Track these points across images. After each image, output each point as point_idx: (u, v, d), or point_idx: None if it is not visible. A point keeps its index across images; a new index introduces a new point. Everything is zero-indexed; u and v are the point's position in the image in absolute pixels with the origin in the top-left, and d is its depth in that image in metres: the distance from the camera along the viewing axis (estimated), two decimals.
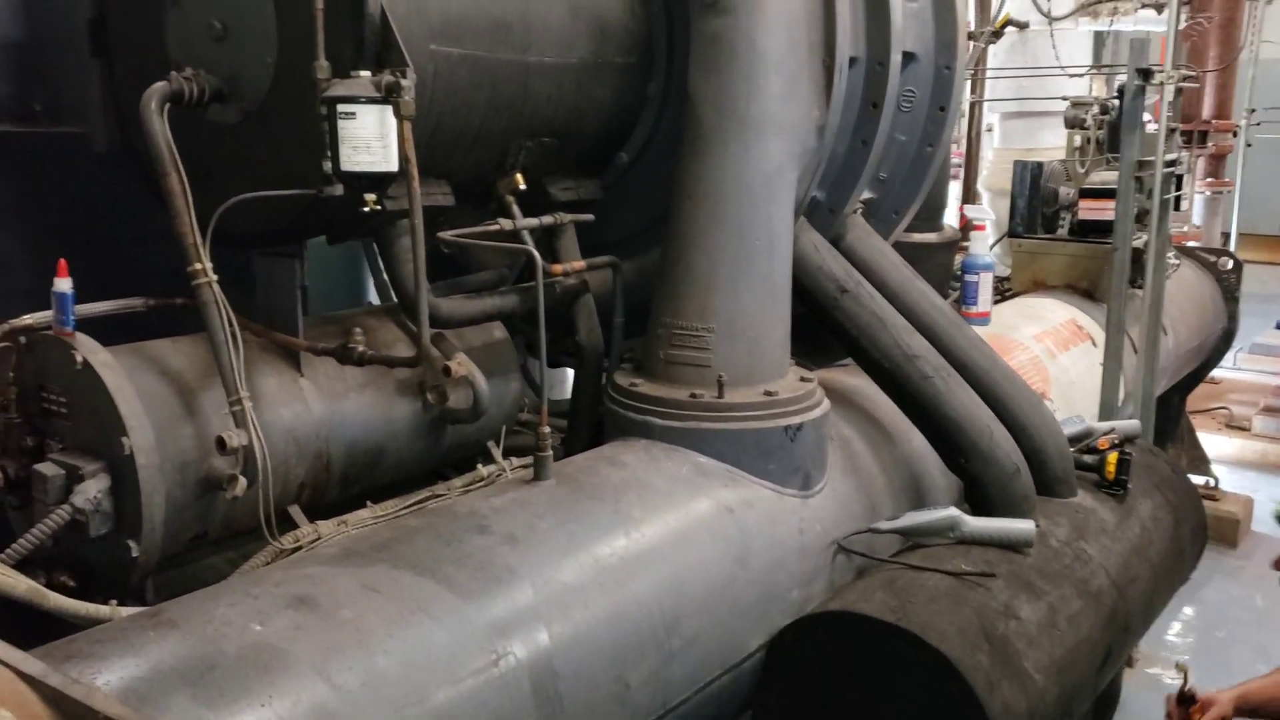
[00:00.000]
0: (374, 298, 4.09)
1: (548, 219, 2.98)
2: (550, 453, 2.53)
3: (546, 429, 2.51)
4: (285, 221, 2.52)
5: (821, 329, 3.25)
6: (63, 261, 2.38)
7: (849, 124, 3.26)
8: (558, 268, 3.02)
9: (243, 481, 2.36)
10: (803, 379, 2.97)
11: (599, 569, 2.32)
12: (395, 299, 2.82)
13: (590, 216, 3.11)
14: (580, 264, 3.10)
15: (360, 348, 2.56)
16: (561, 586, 2.23)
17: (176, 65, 2.54)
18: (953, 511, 2.87)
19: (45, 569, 2.41)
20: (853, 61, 3.13)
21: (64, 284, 2.37)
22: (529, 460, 3.23)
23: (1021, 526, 2.84)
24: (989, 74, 7.31)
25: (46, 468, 2.31)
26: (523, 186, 2.96)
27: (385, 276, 3.40)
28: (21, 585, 2.02)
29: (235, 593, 1.94)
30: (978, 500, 3.05)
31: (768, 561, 2.68)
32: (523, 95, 2.79)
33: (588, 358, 3.22)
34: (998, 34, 6.80)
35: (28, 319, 2.51)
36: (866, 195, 3.52)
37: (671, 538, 2.52)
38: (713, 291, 2.87)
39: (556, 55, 2.84)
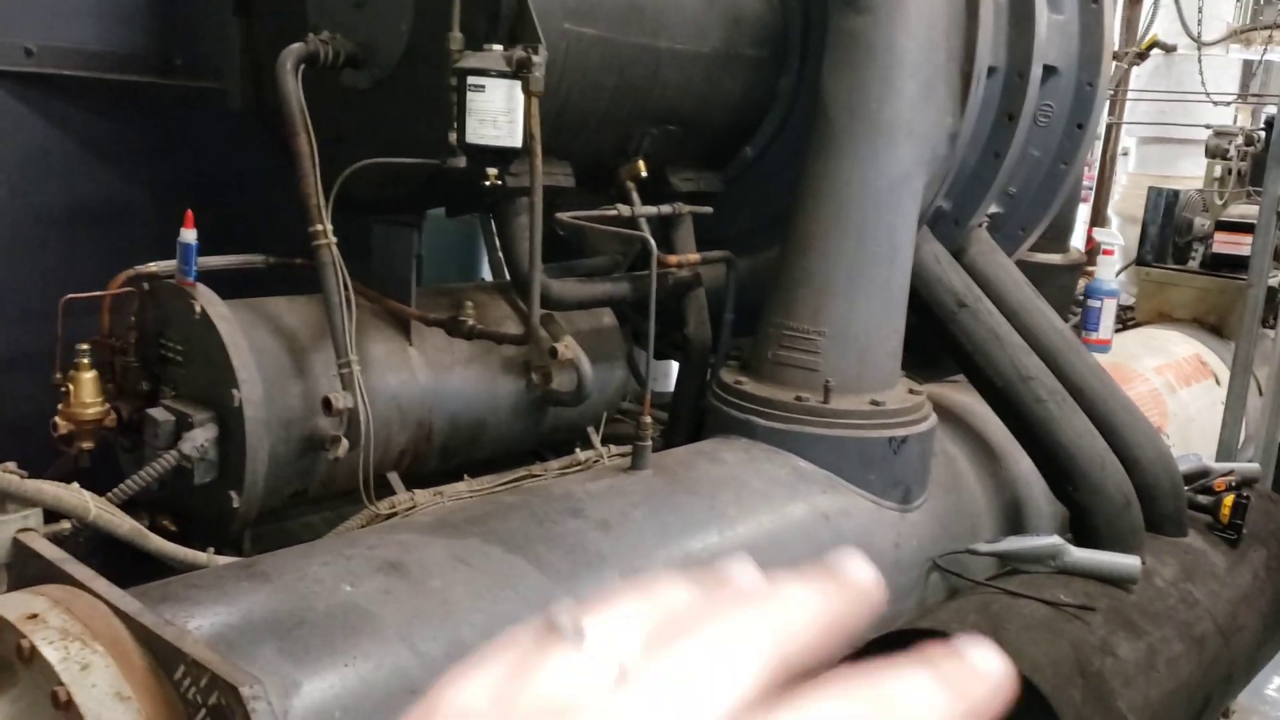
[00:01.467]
0: (487, 274, 4.11)
1: (667, 208, 2.94)
2: (650, 443, 2.49)
3: (648, 419, 2.48)
4: (406, 190, 2.53)
5: (933, 341, 3.16)
6: (189, 213, 2.43)
7: (982, 134, 3.16)
8: (672, 259, 2.99)
9: (345, 444, 2.38)
10: (911, 391, 2.88)
11: (689, 563, 2.28)
12: (508, 276, 2.81)
13: (709, 209, 3.07)
14: (695, 256, 3.05)
15: (470, 321, 2.56)
16: (650, 577, 2.19)
17: (314, 28, 2.57)
18: (1055, 539, 2.76)
19: (149, 511, 2.47)
20: (991, 71, 3.03)
21: (189, 235, 2.41)
22: (627, 449, 3.22)
23: (1127, 562, 2.71)
24: (1130, 96, 7.05)
25: (158, 412, 2.36)
26: (645, 174, 2.93)
27: (500, 253, 3.41)
28: (125, 524, 2.06)
29: (329, 552, 1.95)
30: (1083, 531, 2.92)
31: None
32: (651, 81, 2.76)
33: (694, 352, 3.18)
34: (1142, 56, 6.55)
35: (152, 266, 2.57)
36: (993, 209, 3.40)
37: (765, 539, 2.46)
38: (828, 295, 2.80)
39: (688, 43, 2.80)
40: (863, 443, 2.71)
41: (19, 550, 1.75)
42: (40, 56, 2.84)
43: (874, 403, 2.74)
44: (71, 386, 2.40)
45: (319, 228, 2.39)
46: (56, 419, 2.39)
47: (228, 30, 2.90)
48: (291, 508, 2.67)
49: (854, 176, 2.80)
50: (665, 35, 2.73)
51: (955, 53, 2.86)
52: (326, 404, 2.36)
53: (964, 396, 3.34)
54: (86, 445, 2.43)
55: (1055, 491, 3.00)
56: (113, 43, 2.98)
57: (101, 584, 1.62)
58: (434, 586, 1.90)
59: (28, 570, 1.74)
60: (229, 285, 2.77)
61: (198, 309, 2.36)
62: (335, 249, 2.40)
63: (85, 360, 2.41)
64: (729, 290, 3.21)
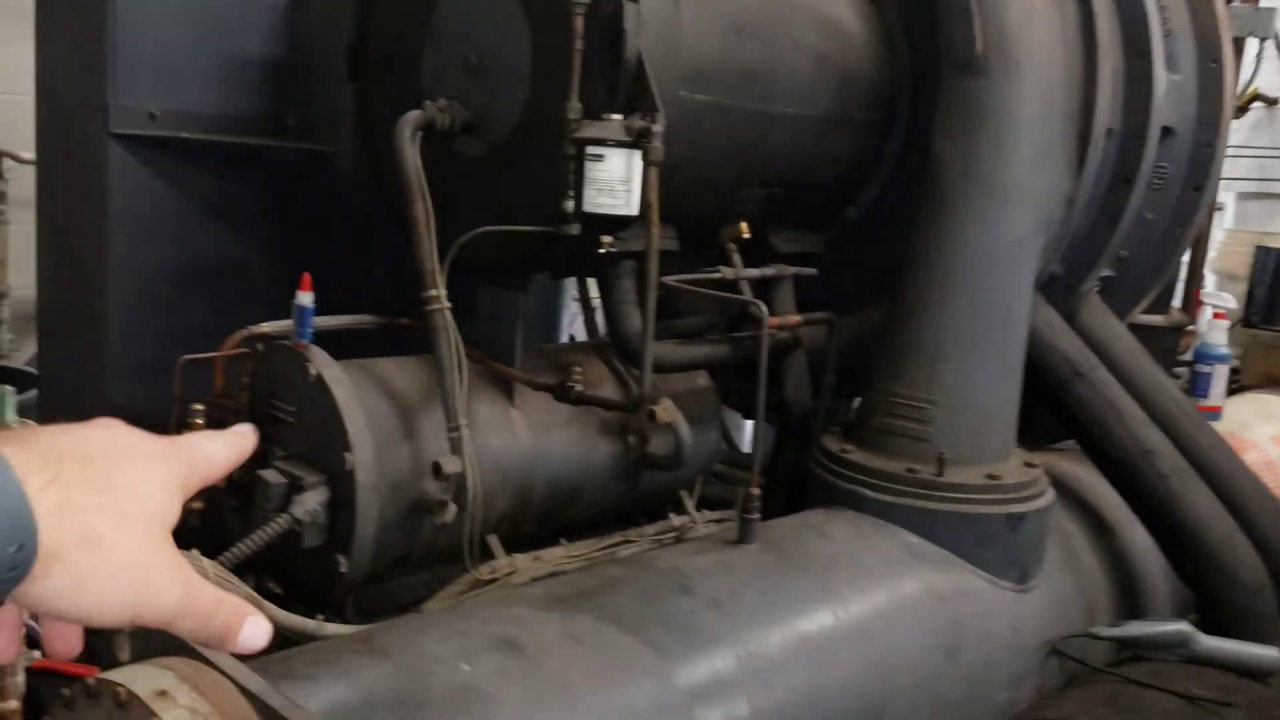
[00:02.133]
0: (564, 329, 4.12)
1: (770, 270, 2.91)
2: (758, 516, 2.44)
3: (756, 490, 2.43)
4: (516, 256, 2.53)
5: (1035, 408, 3.06)
6: (306, 275, 2.45)
7: (1096, 197, 3.08)
8: (774, 321, 2.94)
9: (453, 509, 2.37)
10: (1028, 464, 2.79)
11: (803, 645, 2.21)
12: (610, 337, 2.79)
13: (814, 271, 3.03)
14: (796, 318, 3.01)
15: (578, 387, 2.54)
16: (764, 659, 2.13)
17: (429, 95, 2.60)
18: (1184, 626, 2.63)
19: (255, 573, 2.47)
20: (1108, 133, 2.95)
21: (306, 297, 2.43)
22: (721, 515, 3.18)
23: (1266, 652, 2.57)
24: (1229, 151, 6.86)
25: (271, 474, 2.37)
26: (747, 236, 2.90)
27: (589, 312, 3.41)
28: (241, 592, 2.06)
29: (444, 627, 1.92)
30: (1211, 616, 2.79)
31: (978, 657, 2.51)
32: (760, 145, 2.74)
33: (793, 415, 3.12)
34: (1243, 109, 6.38)
35: (265, 326, 2.59)
36: (1105, 273, 3.31)
37: (880, 621, 2.39)
38: (940, 362, 2.73)
39: (798, 107, 2.78)
40: (979, 519, 2.62)
41: None
42: (162, 120, 2.92)
43: (990, 476, 2.66)
44: None
45: (433, 293, 2.39)
46: None
47: (341, 94, 2.95)
48: (392, 570, 2.65)
49: (967, 240, 2.74)
50: (777, 100, 2.71)
51: (1073, 115, 2.80)
52: (436, 468, 2.35)
53: (1073, 466, 3.23)
54: (197, 505, 2.44)
55: (1178, 572, 2.88)
56: (229, 106, 3.05)
57: (226, 660, 1.61)
58: (551, 667, 1.86)
59: (151, 641, 1.73)
60: (334, 344, 2.80)
61: (313, 372, 2.37)
62: (449, 314, 2.40)
63: (199, 420, 2.43)
64: (830, 352, 3.16)
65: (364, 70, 2.87)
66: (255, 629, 0.81)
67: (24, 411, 3.52)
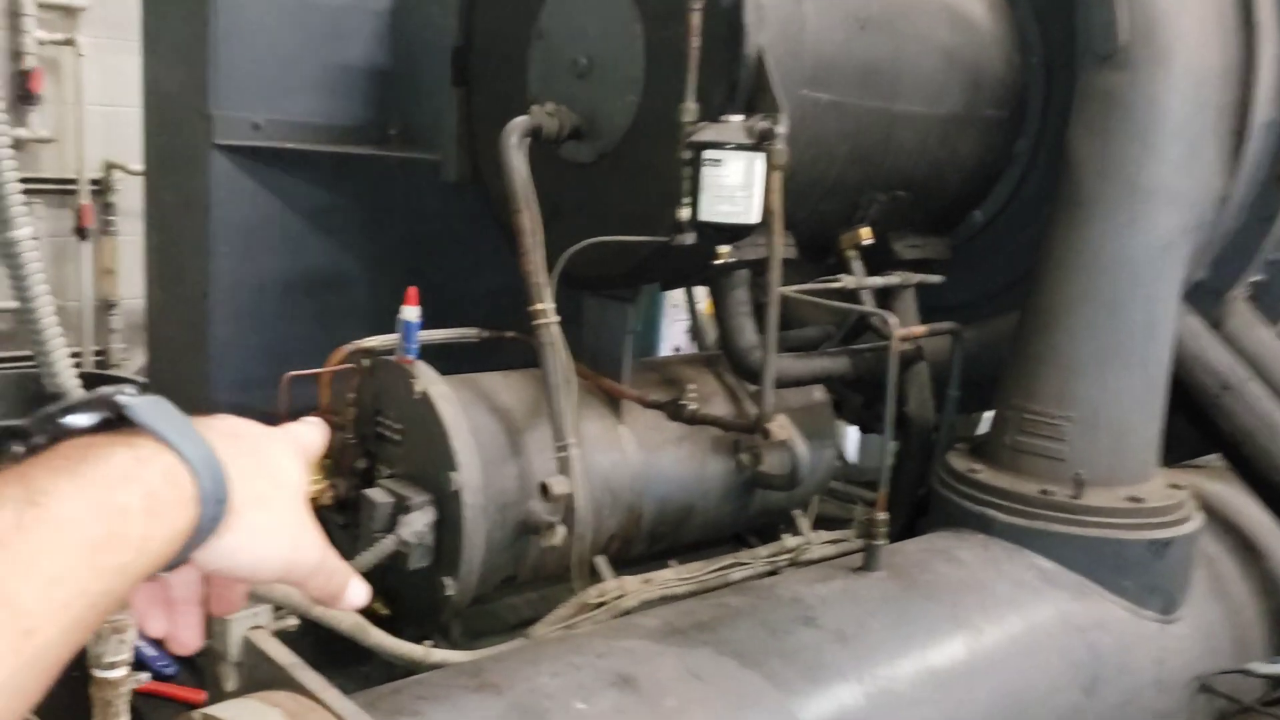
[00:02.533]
0: (665, 340, 4.00)
1: (894, 278, 2.75)
2: (884, 542, 2.29)
3: (883, 515, 2.28)
4: (625, 267, 2.42)
5: (1172, 419, 2.85)
6: (412, 289, 2.38)
7: (1246, 197, 2.85)
8: (899, 330, 2.78)
9: (561, 531, 2.27)
10: (1173, 485, 2.58)
11: (935, 680, 2.06)
12: (722, 350, 2.66)
13: (939, 278, 2.86)
14: (920, 329, 2.84)
15: (692, 405, 2.42)
16: (894, 695, 1.99)
17: (535, 99, 2.51)
18: None
19: None
20: (1265, 125, 2.72)
21: (412, 312, 2.36)
22: (837, 536, 3.03)
23: None
24: None
25: (377, 494, 2.30)
26: (869, 242, 2.75)
27: (702, 323, 3.29)
28: (348, 620, 1.99)
29: (557, 660, 1.82)
30: None
31: (1119, 693, 2.32)
32: (884, 146, 2.59)
33: (916, 431, 2.96)
34: None
35: (371, 341, 2.53)
36: (1255, 278, 3.07)
37: (1014, 653, 2.22)
38: (1076, 375, 2.55)
39: (925, 105, 2.62)
40: (1119, 544, 2.43)
41: (250, 650, 1.69)
42: (266, 130, 2.88)
43: (1132, 499, 2.46)
44: None
45: (541, 306, 2.30)
46: None
47: (446, 101, 2.88)
48: (499, 592, 2.57)
49: (1106, 245, 2.55)
50: (902, 98, 2.55)
51: (1226, 109, 2.58)
52: (544, 489, 2.25)
53: (1217, 485, 2.99)
54: None
55: None
56: (333, 115, 3.01)
57: (333, 696, 1.53)
58: (669, 706, 1.75)
59: (258, 672, 1.67)
60: (439, 359, 2.73)
61: (419, 388, 2.30)
62: (557, 328, 2.30)
63: None
64: (955, 364, 2.98)
65: (468, 75, 2.79)
66: (358, 589, 0.91)
67: None
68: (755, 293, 2.51)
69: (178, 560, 0.73)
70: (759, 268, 2.22)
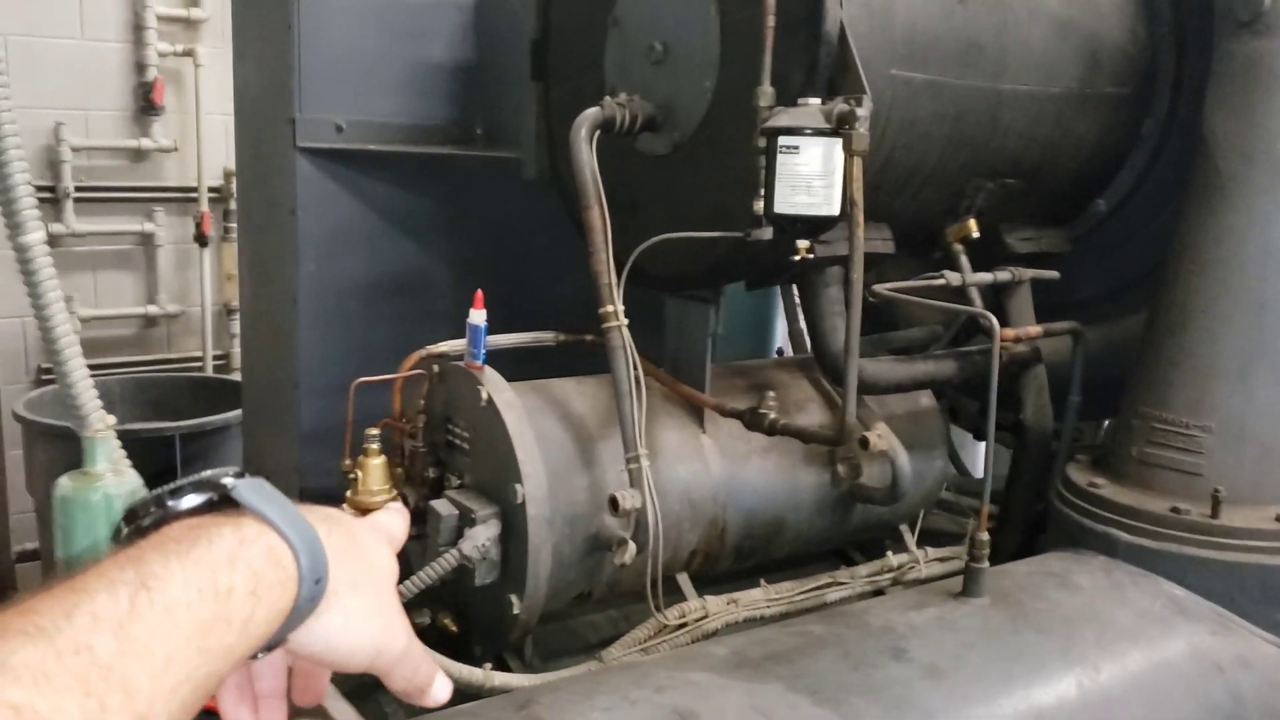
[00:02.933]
0: (780, 340, 3.81)
1: (1004, 274, 2.52)
2: (986, 565, 2.07)
3: (985, 535, 2.06)
4: (705, 265, 2.26)
5: None
6: (479, 292, 2.27)
7: None
8: (1009, 332, 2.55)
9: (632, 547, 2.13)
10: None
11: None
12: (814, 354, 2.48)
13: (1055, 274, 2.61)
14: (1036, 329, 2.60)
15: (772, 415, 2.24)
16: None
17: (612, 90, 2.38)
18: None
19: (431, 608, 2.32)
20: None
21: (479, 316, 2.26)
22: (947, 553, 2.80)
23: None
24: None
25: (442, 505, 2.21)
26: (976, 234, 2.53)
27: (800, 325, 3.09)
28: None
29: (613, 692, 1.68)
30: None
31: None
32: (989, 129, 2.36)
33: (1032, 440, 2.71)
34: None
35: (443, 346, 2.44)
36: None
37: (1138, 695, 1.98)
38: (1215, 380, 2.28)
39: (1035, 83, 2.38)
40: (1266, 571, 2.16)
41: None
42: (349, 132, 2.83)
43: None
44: (360, 472, 2.29)
45: (610, 308, 2.16)
46: (344, 505, 2.29)
47: (525, 96, 2.77)
48: (576, 609, 2.45)
49: (1249, 235, 2.27)
50: (1009, 76, 2.33)
51: None
52: (613, 503, 2.11)
53: None
54: None
55: None
56: (417, 115, 2.93)
57: None
58: None
59: None
60: (517, 362, 2.62)
61: (484, 395, 2.19)
62: (626, 331, 2.16)
63: (374, 446, 2.30)
64: (1076, 367, 2.72)
65: (546, 68, 2.68)
66: (442, 685, 0.89)
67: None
68: (848, 293, 2.32)
69: (275, 640, 0.74)
70: (848, 264, 2.03)
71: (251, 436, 3.27)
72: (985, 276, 2.47)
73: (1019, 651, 1.96)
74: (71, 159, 4.94)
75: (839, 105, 1.86)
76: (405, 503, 2.34)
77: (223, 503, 0.74)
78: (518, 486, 2.11)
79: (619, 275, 2.20)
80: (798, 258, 1.96)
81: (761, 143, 1.93)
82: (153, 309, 5.26)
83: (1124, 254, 2.79)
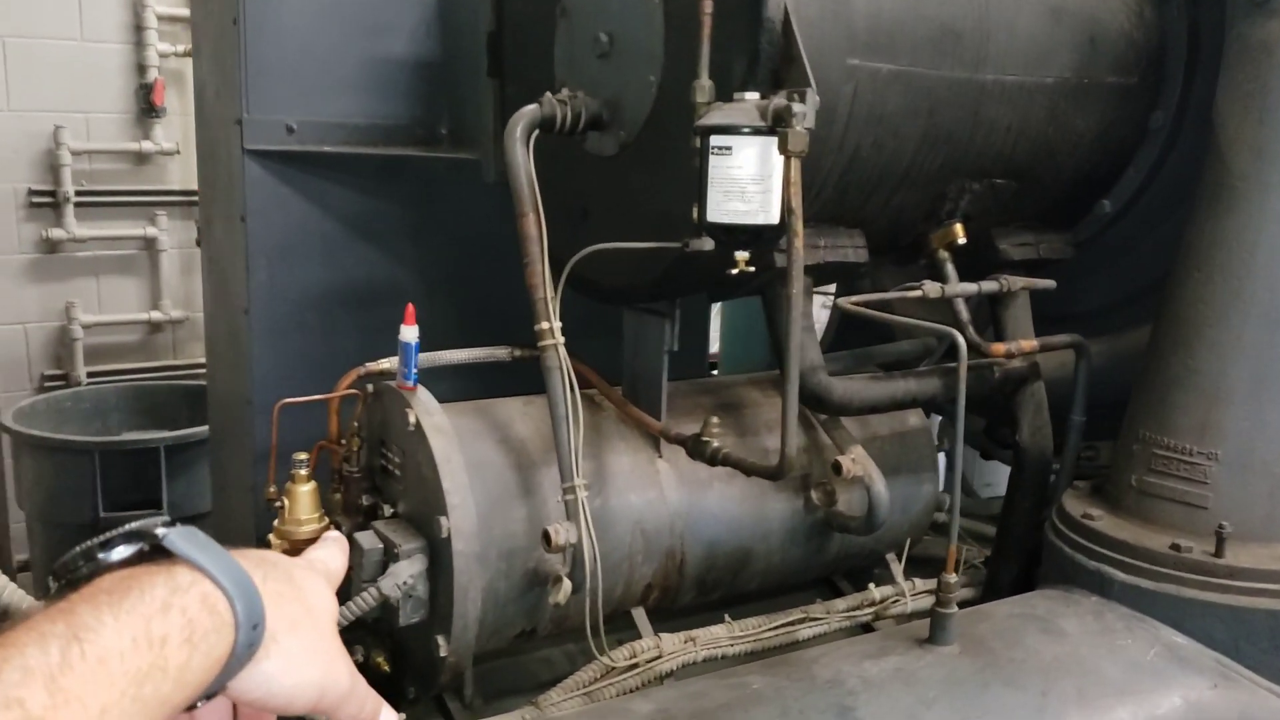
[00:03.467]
0: None
1: (992, 284, 2.30)
2: (954, 610, 1.87)
3: (953, 577, 1.86)
4: (653, 276, 2.08)
5: None
6: (410, 306, 2.11)
7: None
8: (999, 347, 2.34)
9: (567, 585, 1.95)
10: None
11: None
12: (780, 372, 2.27)
13: (1051, 283, 2.39)
14: (1032, 343, 2.38)
15: (713, 443, 2.04)
16: None
17: (561, 86, 2.20)
18: None
19: (364, 644, 2.16)
20: None
21: (410, 333, 2.09)
22: (934, 585, 2.59)
23: None
24: None
25: (366, 538, 2.05)
26: (962, 240, 2.31)
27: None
28: None
29: None
30: None
31: None
32: (972, 124, 2.15)
33: (1029, 464, 2.49)
34: None
35: (384, 363, 2.28)
36: None
37: None
38: (1223, 402, 2.04)
39: (1024, 72, 2.16)
40: (1274, 617, 1.92)
41: None
42: (301, 133, 2.68)
43: None
44: (286, 500, 2.14)
45: (545, 325, 1.99)
46: (270, 537, 2.14)
47: (483, 93, 2.61)
48: (519, 648, 2.28)
49: (1261, 239, 2.04)
50: (991, 65, 2.11)
51: None
52: (546, 538, 1.94)
53: None
54: None
55: None
56: (375, 115, 2.77)
57: None
58: None
59: None
60: (483, 377, 2.46)
61: (412, 419, 2.02)
62: (563, 351, 1.99)
63: (302, 472, 2.14)
64: (1079, 384, 2.50)
65: (501, 63, 2.51)
66: (389, 718, 0.88)
67: None
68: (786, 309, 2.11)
69: (214, 688, 0.73)
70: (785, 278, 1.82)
71: (215, 454, 3.14)
72: (970, 287, 2.26)
73: (986, 708, 1.75)
74: (72, 162, 4.87)
75: (776, 100, 1.66)
76: (339, 531, 2.18)
77: (155, 552, 0.73)
78: (443, 519, 1.94)
79: (555, 287, 2.02)
80: (735, 270, 1.76)
81: (696, 142, 1.74)
82: (156, 315, 5.18)
83: (1133, 259, 2.56)
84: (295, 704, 0.79)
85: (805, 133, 1.65)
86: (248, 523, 2.79)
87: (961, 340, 1.89)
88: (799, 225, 1.68)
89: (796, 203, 1.67)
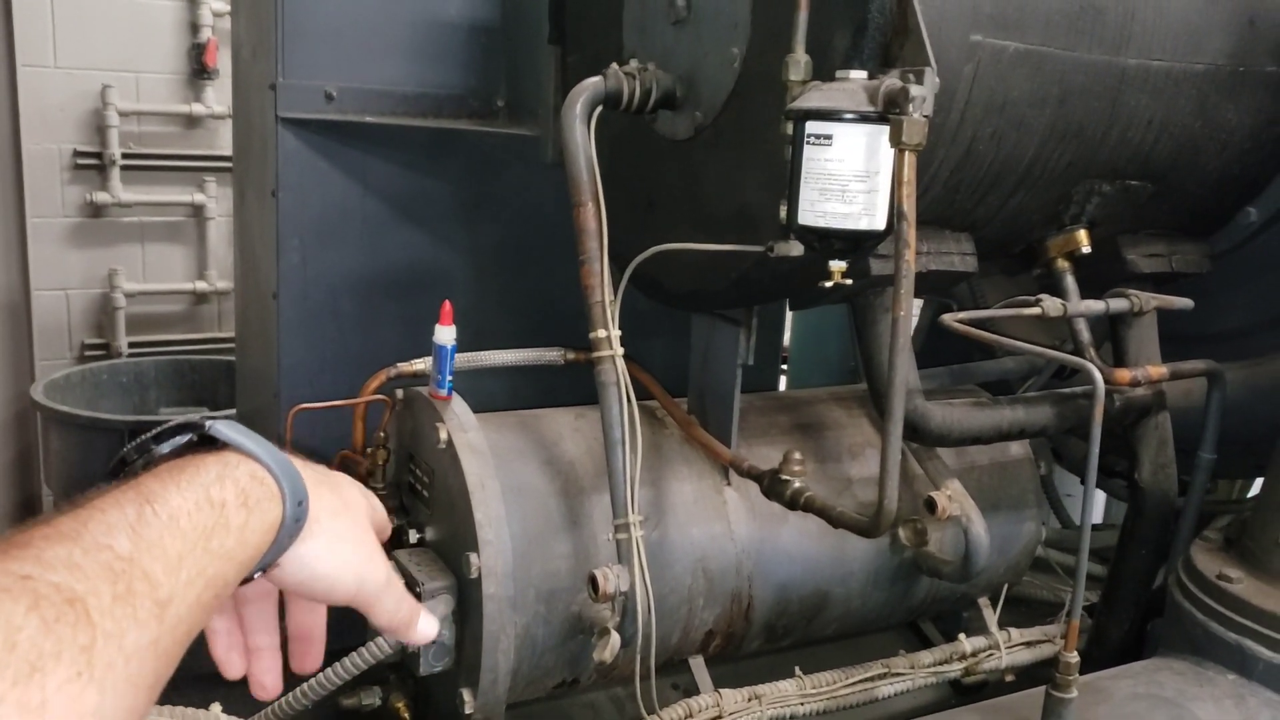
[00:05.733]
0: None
1: (1121, 302, 1.98)
2: (1074, 695, 1.57)
3: (1074, 658, 1.56)
4: (729, 280, 1.79)
5: None
6: (447, 305, 1.85)
7: None
8: (1125, 374, 2.02)
9: (615, 640, 1.68)
10: None
11: None
12: (870, 392, 1.98)
13: (1189, 302, 2.06)
14: (1161, 370, 2.06)
15: (794, 484, 1.74)
16: None
17: (629, 57, 1.92)
18: None
19: (384, 686, 1.92)
20: None
21: (445, 334, 1.83)
22: (1036, 634, 2.30)
23: None
24: None
25: None
26: (1086, 249, 2.00)
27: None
28: None
29: None
30: None
31: None
32: (1108, 116, 1.82)
33: (1149, 505, 2.17)
34: None
35: (417, 364, 2.03)
36: None
37: None
38: None
39: (1172, 57, 1.83)
40: None
41: None
42: (341, 101, 2.43)
43: None
44: None
45: (602, 333, 1.71)
46: None
47: (544, 63, 2.34)
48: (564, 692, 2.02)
49: None
50: (1135, 47, 1.78)
51: None
52: (593, 583, 1.67)
53: None
54: None
55: None
56: (425, 83, 2.51)
57: None
58: None
59: None
60: (535, 376, 2.20)
61: (443, 436, 1.76)
62: (622, 364, 1.71)
63: None
64: (1210, 417, 2.17)
65: (564, 30, 2.23)
66: (428, 621, 0.90)
67: None
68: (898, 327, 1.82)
69: (269, 559, 0.76)
70: (893, 293, 1.53)
71: None
72: (1096, 305, 1.94)
73: None
74: (119, 124, 4.68)
75: (888, 81, 1.37)
76: None
77: (203, 444, 0.77)
78: (473, 557, 1.68)
79: (615, 290, 1.75)
80: (829, 284, 1.47)
81: (788, 129, 1.45)
82: (202, 285, 4.99)
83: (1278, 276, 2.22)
84: (337, 589, 0.81)
85: (924, 121, 1.35)
86: None
87: (1098, 376, 1.58)
88: (912, 235, 1.38)
89: (909, 206, 1.37)
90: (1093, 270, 2.09)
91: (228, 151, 4.98)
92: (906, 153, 1.36)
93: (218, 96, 4.90)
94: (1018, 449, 2.28)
